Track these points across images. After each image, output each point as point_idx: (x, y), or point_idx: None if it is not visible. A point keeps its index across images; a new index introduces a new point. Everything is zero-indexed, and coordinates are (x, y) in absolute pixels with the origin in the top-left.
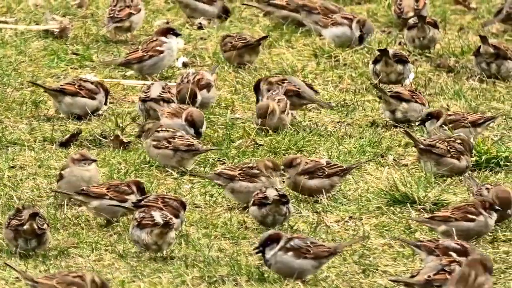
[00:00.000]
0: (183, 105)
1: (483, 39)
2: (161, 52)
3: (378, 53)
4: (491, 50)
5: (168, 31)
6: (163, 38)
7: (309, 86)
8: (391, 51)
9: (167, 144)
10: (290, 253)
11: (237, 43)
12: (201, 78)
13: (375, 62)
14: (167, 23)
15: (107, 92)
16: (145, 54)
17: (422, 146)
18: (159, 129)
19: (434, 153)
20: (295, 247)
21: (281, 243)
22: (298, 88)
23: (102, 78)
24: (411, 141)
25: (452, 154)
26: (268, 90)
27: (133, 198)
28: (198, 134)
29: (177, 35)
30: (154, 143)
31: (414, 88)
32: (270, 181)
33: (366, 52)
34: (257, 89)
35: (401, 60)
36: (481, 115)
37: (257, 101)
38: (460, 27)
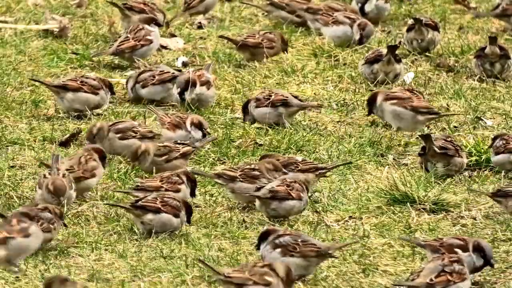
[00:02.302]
0: (182, 114)
1: (492, 39)
2: (151, 41)
3: (385, 49)
4: (498, 51)
5: (152, 20)
6: (149, 27)
7: (295, 96)
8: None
9: (134, 134)
10: (277, 250)
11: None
12: (201, 74)
13: (374, 61)
14: (167, 22)
15: (111, 87)
16: (138, 43)
17: (437, 150)
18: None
19: (449, 155)
20: (283, 244)
21: (270, 238)
22: (286, 97)
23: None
24: (411, 141)
25: (459, 153)
26: (257, 107)
27: (184, 188)
28: (204, 136)
29: (159, 25)
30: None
31: (411, 88)
32: (271, 181)
33: (366, 52)
34: (245, 109)
35: (398, 59)
36: (429, 105)
37: (244, 120)
38: (460, 27)
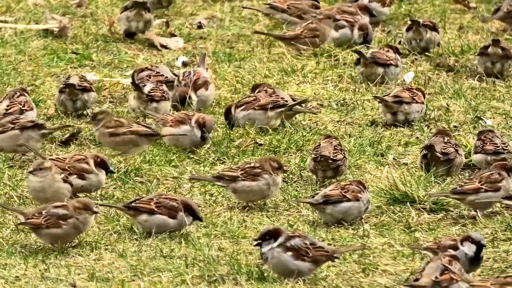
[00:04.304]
0: (189, 112)
1: (495, 41)
2: None
3: (357, 55)
4: (500, 52)
5: None
6: None
7: (292, 98)
8: (369, 52)
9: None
10: (289, 253)
11: None
12: (197, 78)
13: (357, 63)
14: (167, 22)
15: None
16: None
17: (441, 157)
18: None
19: (451, 159)
20: (295, 247)
21: (281, 239)
22: (286, 101)
23: (101, 77)
24: (411, 141)
25: (458, 152)
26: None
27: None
28: (203, 139)
29: None
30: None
31: (410, 87)
32: (273, 178)
33: (365, 52)
34: (228, 114)
35: (379, 63)
36: (274, 99)
37: (231, 126)
38: (460, 26)
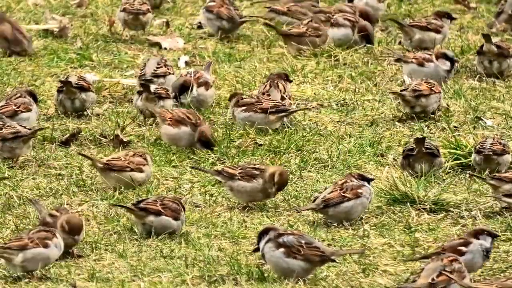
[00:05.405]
0: (188, 112)
1: (486, 37)
2: None
3: None
4: (495, 49)
5: None
6: None
7: (282, 98)
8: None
9: None
10: (281, 249)
11: None
12: (200, 76)
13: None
14: (167, 22)
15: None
16: None
17: (424, 150)
18: None
19: (435, 155)
20: (287, 244)
21: (269, 236)
22: (279, 103)
23: (101, 77)
24: (411, 141)
25: (439, 153)
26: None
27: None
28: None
29: None
30: None
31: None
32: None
33: (366, 52)
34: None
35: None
36: (276, 103)
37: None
38: (460, 27)
